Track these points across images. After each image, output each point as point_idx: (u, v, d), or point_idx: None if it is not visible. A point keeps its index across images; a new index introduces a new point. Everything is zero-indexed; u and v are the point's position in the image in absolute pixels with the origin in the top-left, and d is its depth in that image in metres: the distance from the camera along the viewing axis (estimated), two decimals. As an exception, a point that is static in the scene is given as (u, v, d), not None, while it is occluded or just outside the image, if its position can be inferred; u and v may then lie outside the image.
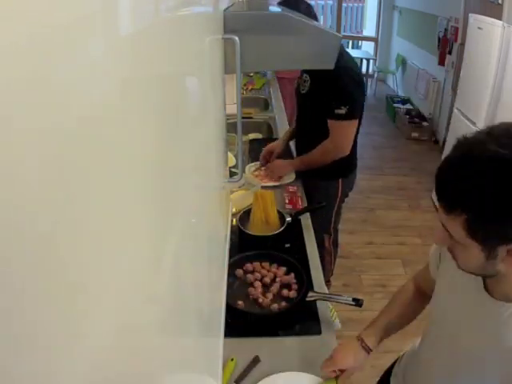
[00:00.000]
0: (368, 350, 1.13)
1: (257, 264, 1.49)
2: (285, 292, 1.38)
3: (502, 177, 0.66)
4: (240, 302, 1.33)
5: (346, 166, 2.10)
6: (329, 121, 1.87)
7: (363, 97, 1.94)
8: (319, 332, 1.30)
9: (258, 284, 1.40)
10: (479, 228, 0.70)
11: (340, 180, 2.11)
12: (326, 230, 2.25)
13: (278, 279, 1.43)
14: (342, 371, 1.11)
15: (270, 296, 1.37)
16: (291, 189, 2.05)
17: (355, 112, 1.84)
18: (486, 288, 0.84)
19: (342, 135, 1.89)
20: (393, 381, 1.33)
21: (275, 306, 1.33)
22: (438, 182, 0.75)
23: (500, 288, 0.82)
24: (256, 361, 1.19)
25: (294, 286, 1.41)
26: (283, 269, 1.47)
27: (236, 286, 1.43)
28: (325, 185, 2.11)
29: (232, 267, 1.43)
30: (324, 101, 1.85)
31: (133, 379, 0.35)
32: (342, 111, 1.79)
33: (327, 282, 2.39)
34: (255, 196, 1.73)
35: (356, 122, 1.88)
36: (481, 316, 0.86)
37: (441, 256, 1.00)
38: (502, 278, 0.78)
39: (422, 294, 1.16)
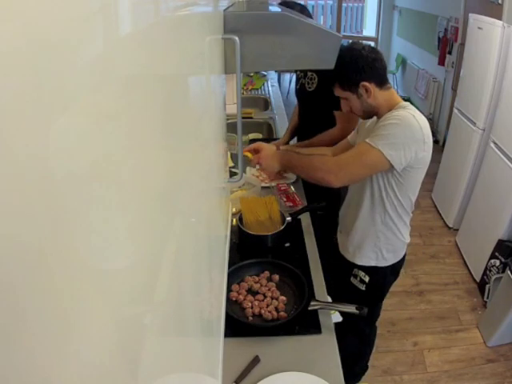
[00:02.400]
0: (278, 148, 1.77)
1: (251, 282, 1.46)
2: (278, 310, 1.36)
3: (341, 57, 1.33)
4: (238, 312, 1.32)
5: None
6: (336, 112, 1.92)
7: None
8: (319, 332, 1.30)
9: (254, 302, 1.38)
10: (344, 84, 1.48)
11: None
12: (335, 222, 2.27)
13: (273, 300, 1.39)
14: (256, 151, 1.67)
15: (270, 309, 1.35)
16: (282, 187, 2.05)
17: None
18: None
19: (348, 124, 1.95)
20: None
21: (276, 317, 1.32)
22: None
23: (379, 115, 1.49)
24: (256, 361, 1.19)
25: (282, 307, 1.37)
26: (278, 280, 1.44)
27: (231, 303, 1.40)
28: None
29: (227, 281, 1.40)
30: (332, 95, 1.88)
31: (133, 379, 0.35)
32: None
33: None
34: (240, 201, 1.79)
35: None
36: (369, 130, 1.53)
37: (358, 128, 1.73)
38: (378, 110, 1.48)
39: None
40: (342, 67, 1.41)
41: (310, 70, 2.00)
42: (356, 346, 1.92)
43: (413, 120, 1.36)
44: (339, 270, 1.77)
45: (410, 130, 1.36)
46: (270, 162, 1.59)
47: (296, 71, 2.26)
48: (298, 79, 2.15)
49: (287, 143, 2.32)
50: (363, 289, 1.70)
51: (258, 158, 1.61)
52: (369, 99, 1.46)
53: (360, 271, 1.69)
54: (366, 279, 1.69)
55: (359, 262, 1.69)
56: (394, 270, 1.74)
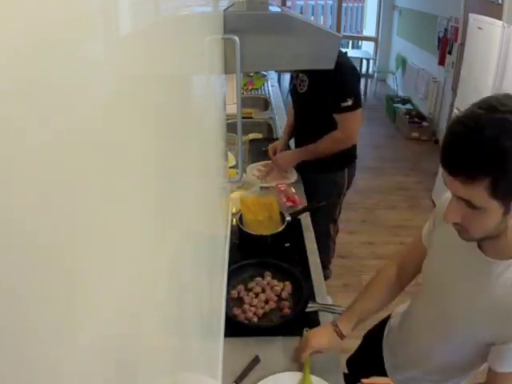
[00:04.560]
0: (341, 336, 1.16)
1: (250, 282, 1.45)
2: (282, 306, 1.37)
3: None
4: (237, 313, 1.33)
5: (352, 154, 2.18)
6: (336, 115, 1.94)
7: (359, 83, 2.09)
8: (319, 332, 1.30)
9: (254, 302, 1.37)
10: (501, 186, 0.75)
11: (346, 168, 2.18)
12: (331, 219, 2.30)
13: (271, 302, 1.38)
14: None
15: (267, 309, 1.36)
16: (282, 187, 2.06)
17: (359, 101, 1.94)
18: (480, 248, 0.91)
19: (352, 125, 1.97)
20: (384, 342, 1.36)
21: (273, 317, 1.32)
22: (452, 158, 0.79)
23: (494, 247, 0.89)
24: (256, 361, 1.19)
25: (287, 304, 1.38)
26: (278, 288, 1.43)
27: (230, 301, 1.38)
28: (333, 176, 2.17)
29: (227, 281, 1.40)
30: (327, 97, 1.91)
31: (133, 379, 0.35)
32: (349, 103, 1.88)
33: (328, 270, 2.48)
34: (240, 201, 1.79)
35: (361, 109, 1.97)
36: (473, 274, 0.93)
37: (435, 223, 1.08)
38: (498, 237, 0.86)
39: (401, 277, 1.23)
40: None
41: (302, 72, 2.01)
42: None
43: None
44: None
45: None
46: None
47: (290, 71, 2.26)
48: (291, 79, 2.17)
49: (287, 144, 2.33)
50: None
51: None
52: (510, 219, 0.81)
53: None
54: None
55: None
56: None
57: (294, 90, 2.11)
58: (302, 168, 2.19)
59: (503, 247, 0.87)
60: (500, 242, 0.87)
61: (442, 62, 4.91)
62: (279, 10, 1.35)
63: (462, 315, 0.96)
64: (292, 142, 2.36)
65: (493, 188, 0.75)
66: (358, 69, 6.94)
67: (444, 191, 1.01)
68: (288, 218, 1.74)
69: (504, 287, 0.86)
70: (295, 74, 2.09)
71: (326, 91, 1.90)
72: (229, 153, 2.11)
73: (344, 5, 7.73)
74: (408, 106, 5.69)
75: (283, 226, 1.70)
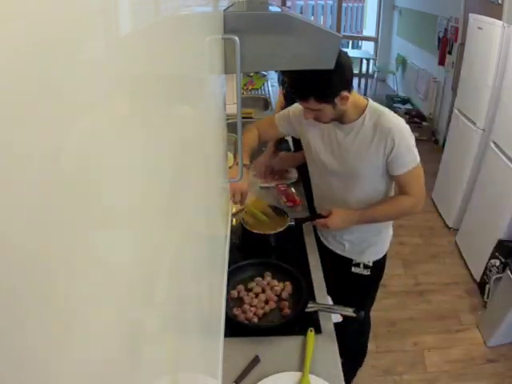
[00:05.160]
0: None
1: (250, 282, 1.47)
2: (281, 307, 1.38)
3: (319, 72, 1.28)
4: (237, 313, 1.33)
5: None
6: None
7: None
8: (319, 332, 1.30)
9: (254, 302, 1.39)
10: (323, 98, 1.35)
11: None
12: None
13: (271, 302, 1.40)
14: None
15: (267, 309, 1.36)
16: (282, 187, 2.06)
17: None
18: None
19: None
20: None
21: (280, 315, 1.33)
22: (297, 86, 1.41)
23: (346, 118, 1.47)
24: (256, 361, 1.19)
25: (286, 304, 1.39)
26: (278, 288, 1.44)
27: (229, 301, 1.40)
28: None
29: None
30: None
31: (133, 379, 0.35)
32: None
33: None
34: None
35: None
36: (339, 138, 1.52)
37: (291, 119, 1.68)
38: (345, 113, 1.44)
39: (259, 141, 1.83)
40: (324, 80, 1.31)
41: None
42: (356, 337, 1.96)
43: (403, 123, 1.47)
44: (336, 266, 1.78)
45: (408, 131, 1.47)
46: (341, 224, 1.57)
47: (281, 76, 2.25)
48: (283, 84, 2.15)
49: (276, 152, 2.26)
50: (368, 273, 1.73)
51: (326, 222, 1.58)
52: (342, 106, 1.40)
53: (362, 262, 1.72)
54: (371, 263, 1.72)
55: (365, 260, 1.71)
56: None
57: (292, 96, 2.10)
58: (303, 169, 2.19)
59: (347, 117, 1.47)
60: (346, 115, 1.45)
61: (442, 62, 4.91)
62: (279, 9, 1.35)
63: (339, 176, 1.57)
64: (290, 142, 2.35)
65: (319, 100, 1.35)
66: (358, 69, 6.96)
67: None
68: (291, 223, 1.74)
69: (353, 134, 1.47)
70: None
71: None
72: (229, 153, 2.10)
73: (344, 5, 7.73)
74: (408, 106, 5.70)
75: (284, 227, 1.70)
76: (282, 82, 2.19)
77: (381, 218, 1.59)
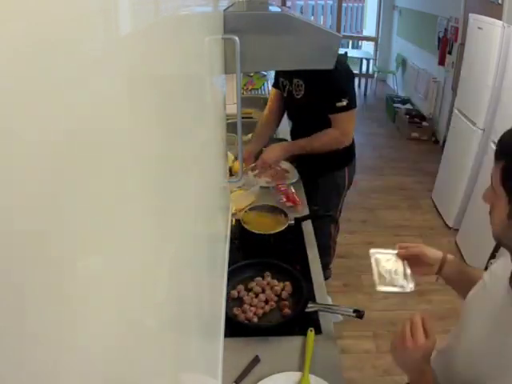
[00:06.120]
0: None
1: (250, 282, 1.46)
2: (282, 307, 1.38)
3: None
4: (237, 313, 1.33)
5: (350, 153, 2.20)
6: (332, 115, 1.96)
7: (354, 84, 2.13)
8: (319, 332, 1.30)
9: (254, 302, 1.38)
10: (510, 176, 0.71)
11: (346, 168, 2.20)
12: (333, 219, 2.32)
13: (271, 302, 1.39)
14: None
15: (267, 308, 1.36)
16: (282, 187, 2.05)
17: (354, 101, 1.98)
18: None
19: (346, 125, 2.00)
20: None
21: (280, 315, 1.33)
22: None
23: None
24: (256, 361, 1.19)
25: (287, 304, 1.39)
26: (278, 288, 1.44)
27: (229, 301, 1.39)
28: (333, 176, 2.18)
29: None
30: (323, 99, 1.93)
31: (133, 379, 0.35)
32: (343, 103, 1.92)
33: (328, 270, 2.50)
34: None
35: (355, 109, 2.00)
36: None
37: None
38: None
39: None
40: None
41: (296, 77, 2.01)
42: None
43: None
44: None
45: None
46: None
47: (277, 80, 2.24)
48: (283, 87, 2.15)
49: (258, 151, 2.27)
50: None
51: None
52: None
53: None
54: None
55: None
56: None
57: (289, 97, 2.10)
58: (302, 169, 2.19)
59: None
60: None
61: (442, 62, 4.91)
62: (279, 9, 1.35)
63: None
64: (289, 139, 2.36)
65: (503, 172, 0.72)
66: (358, 69, 6.96)
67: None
68: (291, 222, 1.74)
69: None
70: (288, 81, 2.08)
71: (322, 93, 1.93)
72: (229, 153, 2.10)
73: (344, 5, 7.73)
74: (408, 106, 5.69)
75: (285, 226, 1.70)
76: (282, 85, 2.18)
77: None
